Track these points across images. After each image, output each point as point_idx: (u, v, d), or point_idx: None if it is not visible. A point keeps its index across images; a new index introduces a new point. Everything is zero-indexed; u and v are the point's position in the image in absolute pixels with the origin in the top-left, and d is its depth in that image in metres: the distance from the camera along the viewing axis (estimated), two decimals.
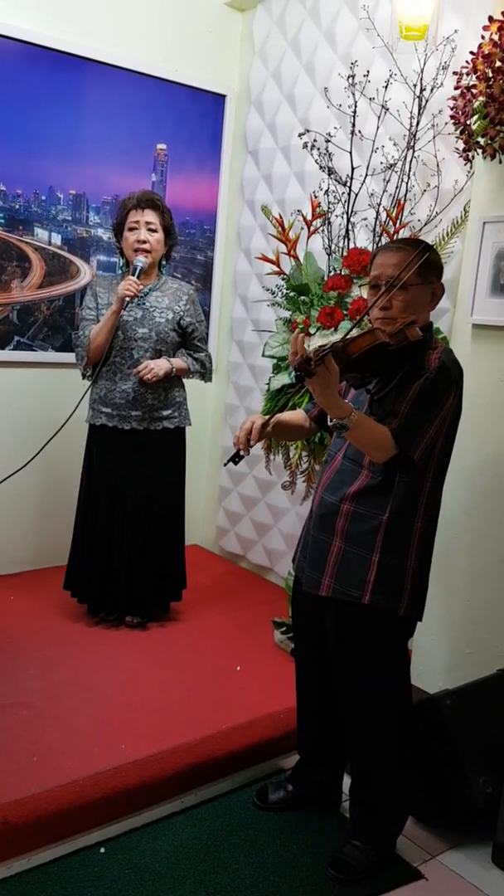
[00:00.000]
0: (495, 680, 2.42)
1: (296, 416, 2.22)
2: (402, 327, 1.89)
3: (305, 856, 2.15)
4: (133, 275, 2.90)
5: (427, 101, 2.78)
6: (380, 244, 2.82)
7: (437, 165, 2.84)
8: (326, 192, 2.91)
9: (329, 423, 1.88)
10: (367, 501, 1.97)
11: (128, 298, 2.85)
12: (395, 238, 2.75)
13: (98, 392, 3.05)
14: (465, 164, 2.67)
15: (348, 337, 1.86)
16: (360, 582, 1.97)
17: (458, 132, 2.50)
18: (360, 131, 2.88)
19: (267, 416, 2.06)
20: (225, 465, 2.11)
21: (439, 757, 2.25)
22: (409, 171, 2.82)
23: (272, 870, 2.08)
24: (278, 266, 2.95)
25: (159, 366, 2.95)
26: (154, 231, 2.96)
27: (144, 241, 2.94)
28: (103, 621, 3.18)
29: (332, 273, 2.87)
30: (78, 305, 3.64)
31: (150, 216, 2.94)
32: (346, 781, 2.31)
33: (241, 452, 2.02)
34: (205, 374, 3.16)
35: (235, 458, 2.04)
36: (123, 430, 3.02)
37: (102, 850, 2.11)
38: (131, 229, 2.96)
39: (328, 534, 2.03)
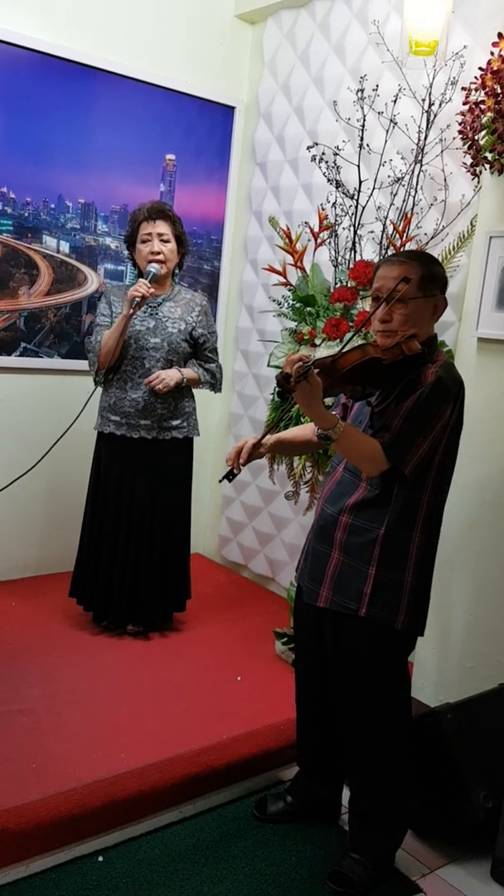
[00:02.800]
0: (497, 694, 2.41)
1: (303, 431, 2.23)
2: (399, 341, 1.90)
3: (304, 868, 2.14)
4: (146, 279, 2.91)
5: (435, 115, 2.79)
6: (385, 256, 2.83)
7: (445, 180, 2.85)
8: (334, 204, 2.93)
9: (315, 434, 1.89)
10: (365, 514, 1.97)
11: (137, 299, 2.85)
12: (401, 251, 2.76)
13: (108, 400, 3.06)
14: (473, 179, 2.69)
15: (337, 352, 1.86)
16: (357, 594, 1.97)
17: (465, 147, 2.52)
18: (368, 145, 2.90)
19: (259, 437, 2.08)
20: (220, 481, 2.13)
21: (439, 771, 2.24)
22: (417, 184, 2.83)
23: (270, 882, 2.08)
24: (285, 277, 2.96)
25: (170, 376, 2.96)
26: (167, 241, 2.97)
27: (158, 253, 2.95)
28: (106, 629, 3.18)
29: (338, 285, 2.89)
30: (85, 313, 3.65)
31: (161, 227, 2.96)
32: (346, 794, 2.30)
33: (234, 470, 2.05)
34: (214, 384, 3.17)
35: (229, 476, 2.06)
36: (132, 439, 3.03)
37: (100, 858, 2.10)
38: (144, 241, 2.97)
39: (327, 545, 2.04)
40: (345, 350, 1.88)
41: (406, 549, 1.97)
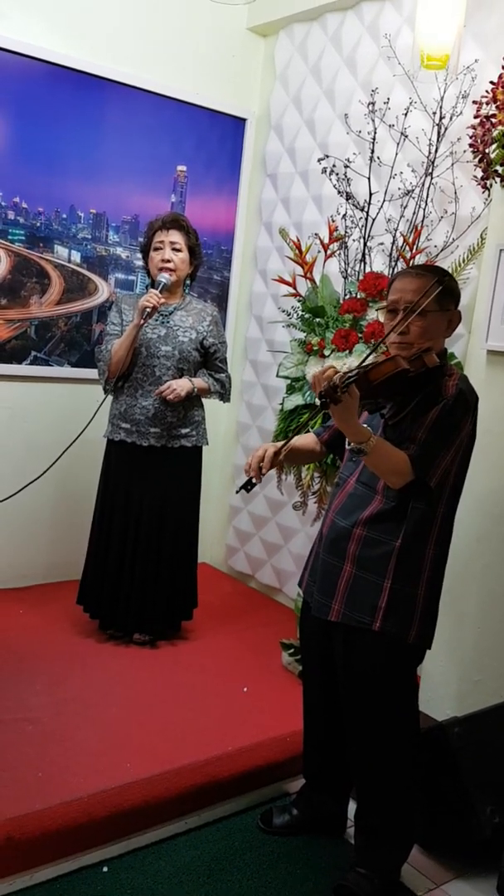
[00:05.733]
0: None
1: (307, 440, 2.23)
2: (418, 353, 1.90)
3: (309, 882, 2.13)
4: (156, 289, 2.93)
5: (446, 128, 2.81)
6: (396, 269, 2.84)
7: (455, 192, 2.86)
8: (344, 216, 2.94)
9: (347, 447, 1.88)
10: (381, 527, 1.97)
11: (148, 309, 2.87)
12: (411, 263, 2.77)
13: (118, 408, 3.08)
14: (483, 192, 2.70)
15: (370, 363, 1.86)
16: (372, 608, 1.96)
17: (476, 160, 2.53)
18: (378, 157, 2.92)
19: (280, 444, 2.06)
20: (237, 492, 2.11)
21: (446, 785, 2.23)
22: (427, 197, 2.84)
23: (275, 894, 2.06)
24: (294, 288, 2.97)
25: (181, 386, 2.98)
26: (178, 251, 2.99)
27: (168, 261, 2.97)
28: (113, 638, 3.18)
29: (347, 296, 2.89)
30: (95, 322, 3.67)
31: (174, 236, 2.98)
32: (352, 807, 2.29)
33: (254, 480, 2.01)
34: (224, 394, 3.18)
35: (247, 486, 2.02)
36: (141, 447, 3.04)
37: (105, 868, 2.09)
38: (156, 249, 3.00)
39: (339, 558, 2.02)
40: (377, 361, 1.87)
41: (420, 561, 1.97)
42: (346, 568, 2.00)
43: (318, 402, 1.81)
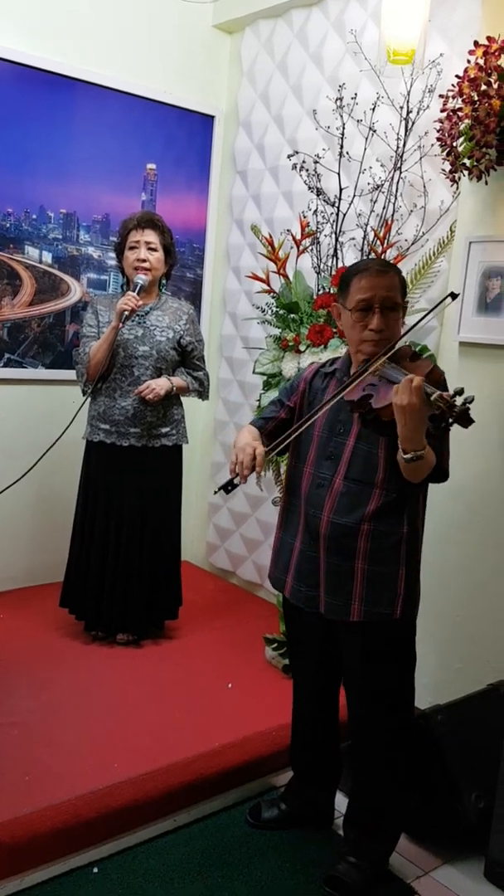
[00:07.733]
0: (486, 694, 2.43)
1: (256, 433, 2.18)
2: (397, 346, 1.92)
3: (299, 874, 2.14)
4: (133, 291, 2.93)
5: (413, 123, 2.83)
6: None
7: (424, 186, 2.88)
8: (315, 212, 2.95)
9: (405, 456, 1.80)
10: (388, 518, 1.98)
11: (126, 312, 2.87)
12: (382, 257, 2.79)
13: (97, 408, 3.07)
14: (452, 185, 2.72)
15: (431, 369, 1.84)
16: (392, 598, 1.99)
17: (444, 154, 2.55)
18: (347, 153, 2.93)
19: (269, 448, 2.04)
20: (215, 493, 2.07)
21: (431, 772, 2.25)
22: (396, 191, 2.86)
23: (266, 888, 2.08)
24: (268, 284, 2.98)
25: (160, 385, 2.98)
26: (154, 250, 2.99)
27: (144, 260, 2.97)
28: (97, 639, 3.18)
29: (321, 291, 2.91)
30: (68, 322, 3.65)
31: (149, 236, 2.98)
32: (340, 799, 2.31)
33: (236, 480, 1.97)
34: (202, 392, 3.18)
35: (228, 487, 1.97)
36: (122, 447, 3.03)
37: (95, 869, 2.10)
38: (132, 248, 2.99)
39: (347, 557, 2.00)
40: (432, 367, 1.86)
41: (417, 543, 2.04)
42: (359, 565, 1.99)
43: (440, 422, 1.70)
